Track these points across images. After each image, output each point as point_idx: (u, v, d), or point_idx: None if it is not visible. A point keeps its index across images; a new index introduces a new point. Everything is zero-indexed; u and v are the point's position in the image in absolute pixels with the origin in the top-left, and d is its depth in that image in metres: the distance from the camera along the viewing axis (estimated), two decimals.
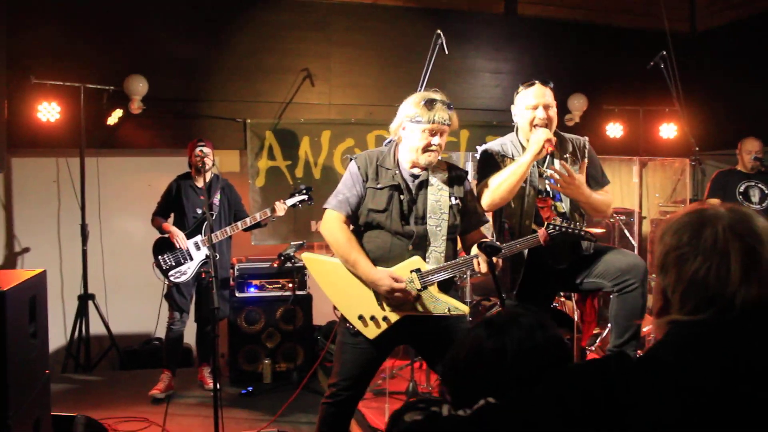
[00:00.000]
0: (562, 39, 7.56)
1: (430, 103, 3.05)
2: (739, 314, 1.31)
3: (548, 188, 3.51)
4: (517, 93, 3.58)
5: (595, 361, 1.44)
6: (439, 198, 3.16)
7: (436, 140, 3.07)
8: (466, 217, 3.26)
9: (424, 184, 3.17)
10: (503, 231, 3.55)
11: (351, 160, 3.24)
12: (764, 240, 1.34)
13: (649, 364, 1.36)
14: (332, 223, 3.16)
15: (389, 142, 3.35)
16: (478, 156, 3.66)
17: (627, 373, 1.33)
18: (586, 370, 1.41)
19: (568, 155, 3.56)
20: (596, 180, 3.62)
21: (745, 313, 1.31)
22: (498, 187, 3.37)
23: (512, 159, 3.51)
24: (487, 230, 5.46)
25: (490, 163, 3.54)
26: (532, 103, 3.48)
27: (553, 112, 3.49)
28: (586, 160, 3.56)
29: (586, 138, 3.71)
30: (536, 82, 3.52)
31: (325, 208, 3.21)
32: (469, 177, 3.47)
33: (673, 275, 1.39)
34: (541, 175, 3.52)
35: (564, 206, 3.53)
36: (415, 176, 3.18)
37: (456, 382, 1.70)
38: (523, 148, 3.52)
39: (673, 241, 1.40)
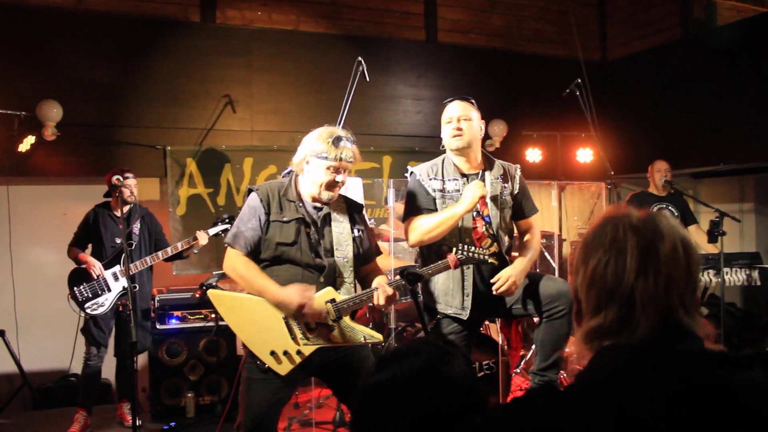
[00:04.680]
0: (482, 66, 7.74)
1: (337, 141, 3.06)
2: (664, 337, 1.30)
3: (478, 208, 3.53)
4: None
5: (516, 402, 1.35)
6: (342, 230, 3.20)
7: (340, 177, 3.09)
8: (364, 248, 3.30)
9: (328, 217, 3.19)
10: (441, 252, 3.49)
11: (251, 191, 3.20)
12: (665, 236, 1.34)
13: (580, 393, 1.31)
14: (232, 260, 3.11)
15: (288, 172, 3.35)
16: (408, 176, 3.67)
17: (557, 406, 1.29)
18: (508, 418, 1.33)
19: (500, 176, 3.61)
20: (529, 209, 3.73)
21: (669, 334, 1.30)
22: (428, 232, 3.43)
23: (444, 182, 3.54)
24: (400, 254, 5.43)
25: (418, 195, 3.56)
26: (446, 117, 3.56)
27: (467, 125, 3.50)
28: (517, 185, 3.66)
29: (518, 166, 3.77)
30: (454, 99, 3.60)
31: (226, 245, 3.15)
32: (390, 203, 3.49)
33: (581, 273, 1.40)
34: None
35: (492, 227, 3.56)
36: (318, 209, 3.19)
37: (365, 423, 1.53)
38: (455, 167, 3.57)
39: (585, 240, 1.42)
